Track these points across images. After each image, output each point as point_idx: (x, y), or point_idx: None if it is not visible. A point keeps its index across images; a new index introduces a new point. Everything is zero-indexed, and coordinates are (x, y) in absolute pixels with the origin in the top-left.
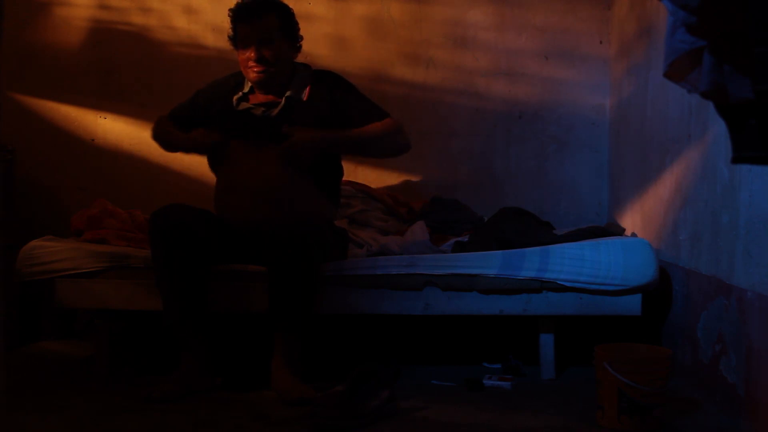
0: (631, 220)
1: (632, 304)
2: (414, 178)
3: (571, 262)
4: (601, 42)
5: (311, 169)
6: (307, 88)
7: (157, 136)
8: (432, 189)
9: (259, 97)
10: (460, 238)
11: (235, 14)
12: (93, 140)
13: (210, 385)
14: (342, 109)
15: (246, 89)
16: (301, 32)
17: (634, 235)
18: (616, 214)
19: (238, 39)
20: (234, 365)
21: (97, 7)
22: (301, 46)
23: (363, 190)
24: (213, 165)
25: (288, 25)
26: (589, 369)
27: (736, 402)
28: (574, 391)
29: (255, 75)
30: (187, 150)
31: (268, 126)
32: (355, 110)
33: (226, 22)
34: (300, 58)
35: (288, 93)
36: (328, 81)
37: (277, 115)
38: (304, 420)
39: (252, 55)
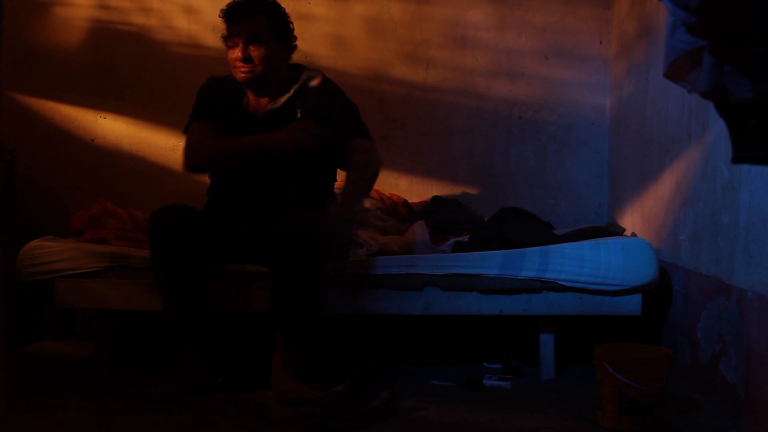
0: (631, 220)
1: (632, 304)
2: (414, 178)
3: (571, 262)
4: (601, 42)
5: (307, 171)
6: (319, 78)
7: (212, 156)
8: (432, 189)
9: (258, 101)
10: (460, 238)
11: (225, 14)
12: (93, 140)
13: (210, 385)
14: (335, 118)
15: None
16: (302, 32)
17: (634, 235)
18: (616, 214)
19: (227, 38)
20: (234, 365)
21: (97, 7)
22: (296, 46)
23: None
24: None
25: (278, 26)
26: (589, 369)
27: (736, 402)
28: (574, 391)
29: (242, 75)
30: (286, 151)
31: (280, 121)
32: (344, 125)
33: None
34: (300, 58)
35: (296, 86)
36: (332, 88)
37: (285, 104)
38: (303, 420)
39: (239, 54)
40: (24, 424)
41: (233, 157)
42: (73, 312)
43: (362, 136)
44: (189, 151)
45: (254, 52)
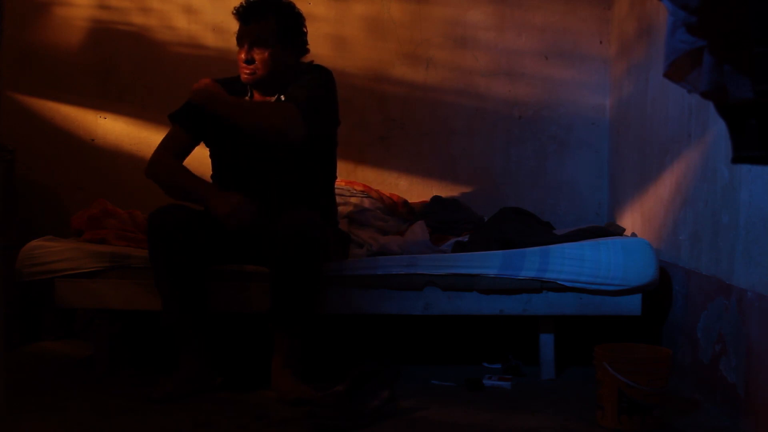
0: (631, 220)
1: (632, 304)
2: (414, 178)
3: (571, 262)
4: (601, 42)
5: (306, 170)
6: None
7: (171, 184)
8: (432, 189)
9: (264, 99)
10: (460, 238)
11: (236, 13)
12: (93, 140)
13: (210, 385)
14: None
15: (249, 92)
16: None
17: (634, 235)
18: (616, 214)
19: (237, 37)
20: (234, 365)
21: (97, 7)
22: (307, 50)
23: (363, 190)
24: (216, 164)
25: (287, 30)
26: (589, 369)
27: (736, 402)
28: (574, 391)
29: (245, 76)
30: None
31: None
32: (290, 93)
33: (226, 22)
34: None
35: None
36: (317, 73)
37: None
38: (303, 420)
39: (243, 56)
40: (24, 424)
41: (180, 194)
42: (73, 312)
43: (295, 105)
44: (152, 161)
45: (258, 55)
